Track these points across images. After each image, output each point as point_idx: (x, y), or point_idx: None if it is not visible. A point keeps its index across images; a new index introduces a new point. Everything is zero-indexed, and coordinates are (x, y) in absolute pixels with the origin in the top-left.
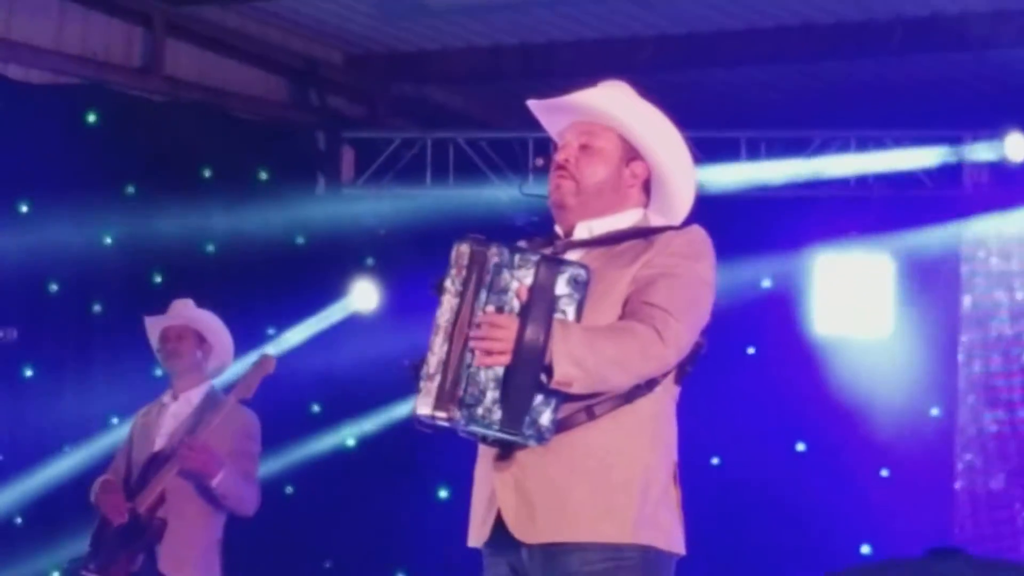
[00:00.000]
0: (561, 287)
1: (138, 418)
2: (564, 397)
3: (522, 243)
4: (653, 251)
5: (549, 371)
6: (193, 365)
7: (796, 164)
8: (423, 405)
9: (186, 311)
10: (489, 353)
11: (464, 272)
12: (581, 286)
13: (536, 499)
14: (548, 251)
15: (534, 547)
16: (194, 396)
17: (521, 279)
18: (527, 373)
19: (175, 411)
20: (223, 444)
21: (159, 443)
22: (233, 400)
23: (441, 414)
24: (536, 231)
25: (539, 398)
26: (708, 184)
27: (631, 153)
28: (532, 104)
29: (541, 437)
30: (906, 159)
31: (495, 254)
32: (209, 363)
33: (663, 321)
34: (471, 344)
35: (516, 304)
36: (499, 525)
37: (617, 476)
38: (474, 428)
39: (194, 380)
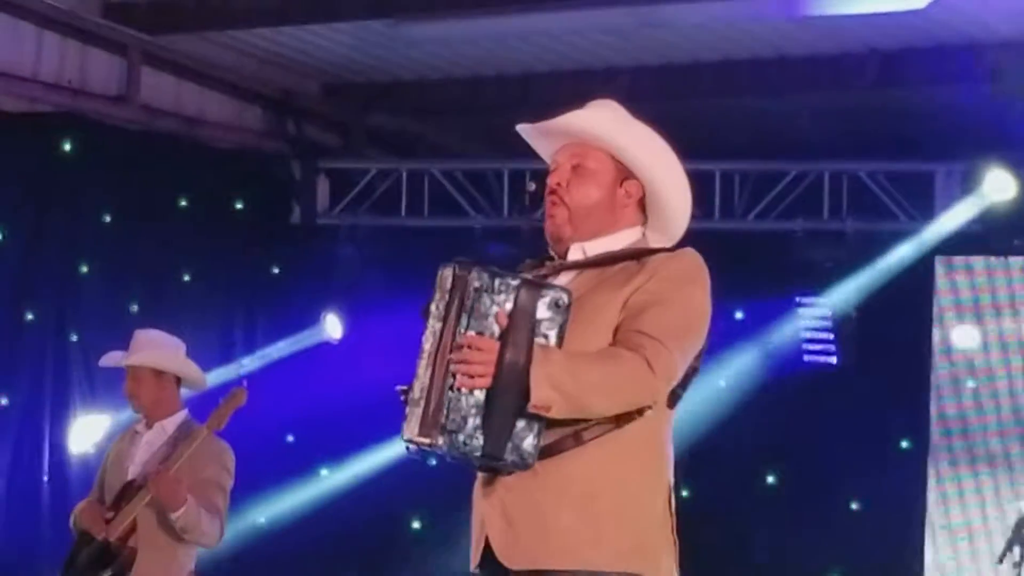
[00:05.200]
0: (542, 311)
1: (112, 446)
2: (548, 422)
3: (523, 264)
4: (644, 274)
5: (529, 396)
6: (153, 401)
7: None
8: (408, 430)
9: (141, 347)
10: (470, 376)
11: (447, 296)
12: (563, 310)
13: (521, 524)
14: (539, 273)
15: (520, 574)
16: (169, 425)
17: (501, 304)
18: (508, 398)
19: (149, 440)
20: (194, 475)
21: (132, 472)
22: (206, 432)
23: (424, 440)
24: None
25: (521, 423)
26: None
27: (624, 172)
28: (522, 128)
29: (524, 463)
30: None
31: (475, 278)
32: (180, 390)
33: (654, 350)
34: (452, 368)
35: (497, 329)
36: (489, 549)
37: (604, 502)
38: (456, 454)
39: (166, 410)
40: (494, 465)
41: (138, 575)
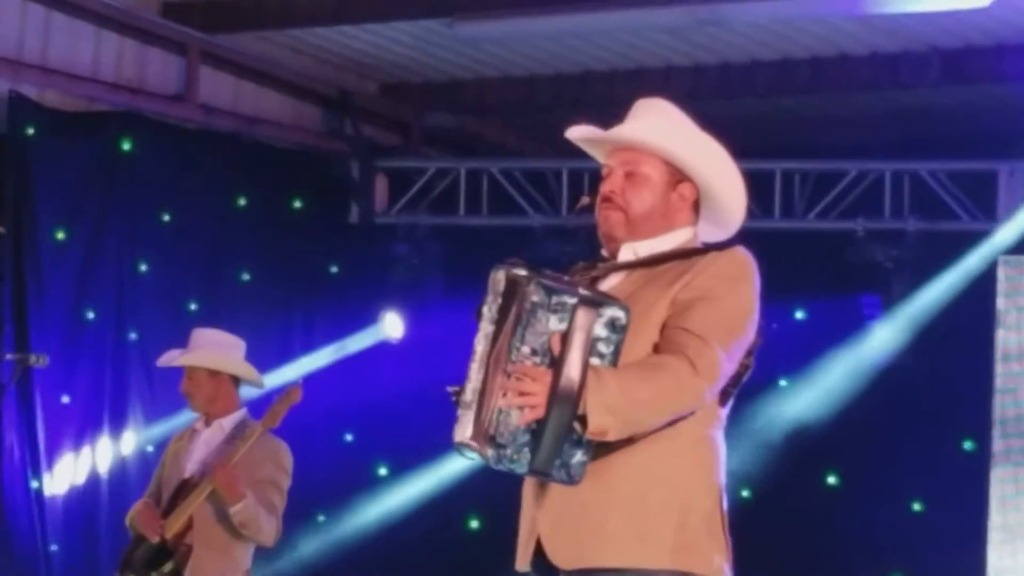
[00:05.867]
0: (599, 329)
1: (171, 444)
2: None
3: (576, 266)
4: (693, 272)
5: (583, 420)
6: (209, 400)
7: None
8: (459, 433)
9: (197, 347)
10: (522, 406)
11: (500, 300)
12: (620, 329)
13: (572, 524)
14: (591, 275)
15: (570, 573)
16: (227, 423)
17: (558, 323)
18: (559, 423)
19: (207, 438)
20: (251, 473)
21: (189, 469)
22: (260, 429)
23: (474, 445)
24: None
25: (571, 442)
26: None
27: (677, 176)
28: (571, 137)
29: (571, 478)
30: None
31: (533, 292)
32: (238, 388)
33: (697, 349)
34: (503, 388)
35: (552, 346)
36: (540, 549)
37: (654, 501)
38: (504, 467)
39: (224, 408)
40: (541, 479)
41: (194, 573)
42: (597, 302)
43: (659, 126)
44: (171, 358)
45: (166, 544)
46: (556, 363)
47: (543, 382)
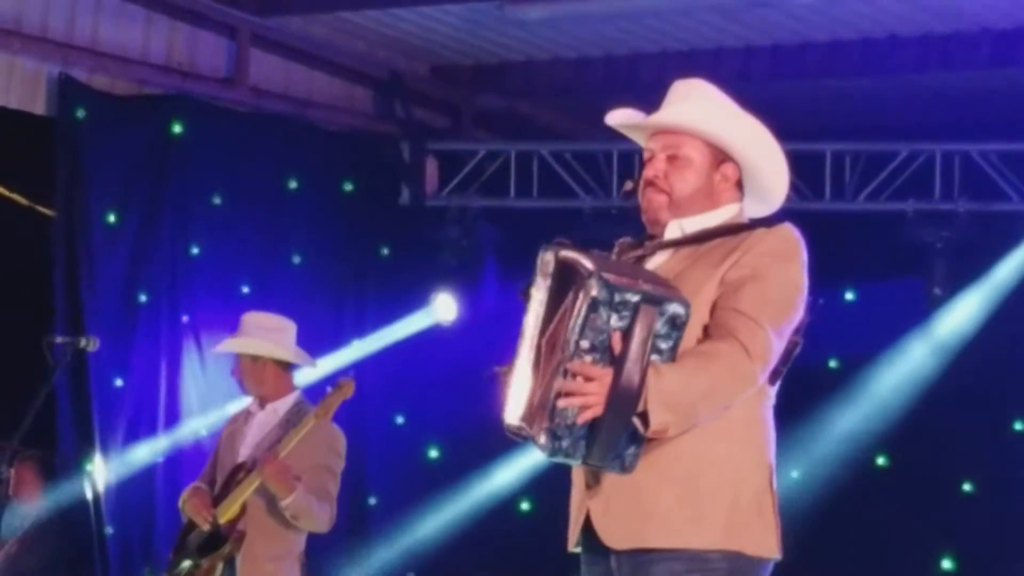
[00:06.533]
0: (659, 327)
1: (226, 426)
2: None
3: (621, 242)
4: (741, 250)
5: (642, 416)
6: (256, 384)
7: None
8: (511, 414)
9: (242, 332)
10: (581, 405)
11: (551, 283)
12: (680, 325)
13: (624, 505)
14: (637, 253)
15: (622, 553)
16: (281, 406)
17: (618, 321)
18: (617, 422)
19: (261, 420)
20: (304, 461)
21: (243, 453)
22: (312, 423)
23: (525, 429)
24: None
25: (627, 437)
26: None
27: (720, 156)
28: (611, 123)
29: (624, 469)
30: None
31: (593, 287)
32: (290, 372)
33: (749, 332)
34: (563, 397)
35: (611, 343)
36: (590, 530)
37: (706, 482)
38: (558, 459)
39: (275, 392)
40: (594, 469)
41: (247, 558)
42: (658, 299)
43: (698, 108)
44: (237, 335)
45: (219, 529)
46: (616, 362)
47: (602, 382)
